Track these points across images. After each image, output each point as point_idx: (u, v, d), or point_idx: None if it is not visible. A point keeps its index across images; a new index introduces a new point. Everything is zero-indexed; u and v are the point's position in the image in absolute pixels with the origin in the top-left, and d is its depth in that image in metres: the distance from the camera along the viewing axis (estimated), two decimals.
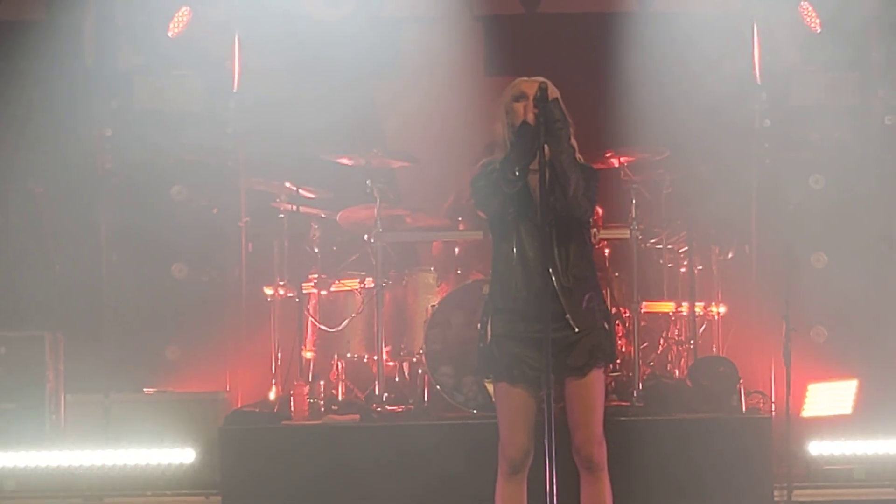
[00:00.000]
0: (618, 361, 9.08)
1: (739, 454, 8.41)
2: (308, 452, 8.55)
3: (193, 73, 10.06)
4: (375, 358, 9.23)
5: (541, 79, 6.52)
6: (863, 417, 9.03)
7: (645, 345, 9.55)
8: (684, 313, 9.72)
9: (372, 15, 10.40)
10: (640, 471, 8.23)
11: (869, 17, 9.87)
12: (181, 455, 8.84)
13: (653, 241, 9.72)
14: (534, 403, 6.50)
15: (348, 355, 9.57)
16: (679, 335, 9.82)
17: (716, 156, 9.83)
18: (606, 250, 9.59)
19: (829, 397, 9.21)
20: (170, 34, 9.98)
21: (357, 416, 8.91)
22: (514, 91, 6.59)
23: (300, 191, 9.64)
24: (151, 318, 9.75)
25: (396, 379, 9.56)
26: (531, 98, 6.46)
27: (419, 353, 9.18)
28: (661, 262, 9.82)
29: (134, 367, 9.58)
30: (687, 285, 9.73)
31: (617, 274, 9.54)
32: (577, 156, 6.56)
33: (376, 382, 9.18)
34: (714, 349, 9.79)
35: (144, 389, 9.46)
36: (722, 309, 9.89)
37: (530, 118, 6.44)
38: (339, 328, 9.52)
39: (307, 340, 9.63)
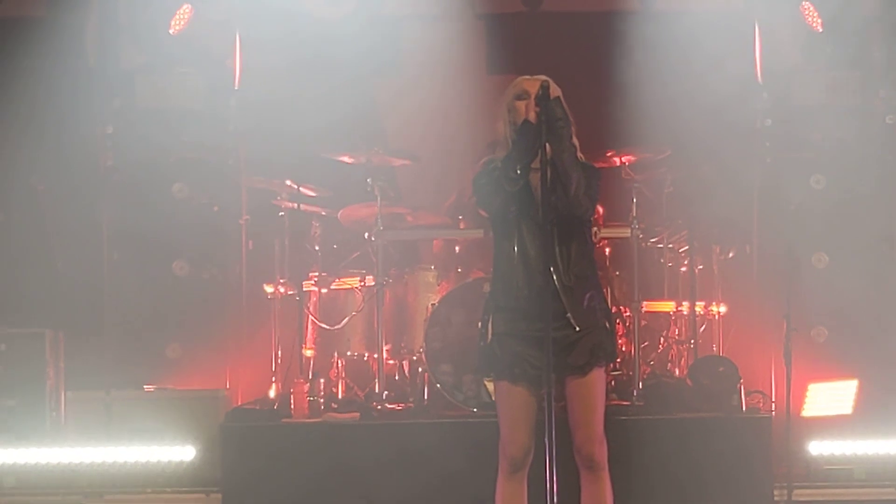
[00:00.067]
0: (618, 360, 9.09)
1: (740, 454, 8.41)
2: (308, 450, 8.55)
3: (195, 70, 10.06)
4: (376, 356, 9.24)
5: (543, 77, 6.54)
6: (863, 417, 9.03)
7: (645, 344, 9.56)
8: (685, 312, 9.72)
9: (373, 13, 10.40)
10: (640, 470, 8.23)
11: (870, 16, 9.87)
12: (181, 452, 8.84)
13: (654, 240, 9.72)
14: (534, 402, 6.50)
15: (348, 353, 9.57)
16: (679, 334, 9.82)
17: (717, 155, 9.83)
18: (607, 249, 9.59)
19: (829, 397, 9.21)
20: (171, 32, 9.98)
21: (357, 414, 8.91)
22: (517, 89, 6.60)
23: (301, 189, 9.63)
24: (152, 315, 9.74)
25: (396, 377, 9.56)
26: (533, 96, 6.47)
27: (419, 352, 9.18)
28: (662, 261, 9.82)
29: (134, 364, 9.57)
30: (688, 284, 9.73)
31: (618, 273, 9.55)
32: (579, 154, 6.57)
33: (376, 380, 9.19)
34: (714, 348, 9.79)
35: (145, 387, 9.45)
36: (722, 308, 9.89)
37: (532, 117, 6.45)
38: (340, 326, 9.52)
39: (307, 338, 9.63)
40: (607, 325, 6.65)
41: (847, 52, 9.81)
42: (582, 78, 9.35)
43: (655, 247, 9.78)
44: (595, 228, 7.80)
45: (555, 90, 6.52)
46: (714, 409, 8.73)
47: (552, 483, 6.07)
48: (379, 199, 9.27)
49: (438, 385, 8.98)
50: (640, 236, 9.28)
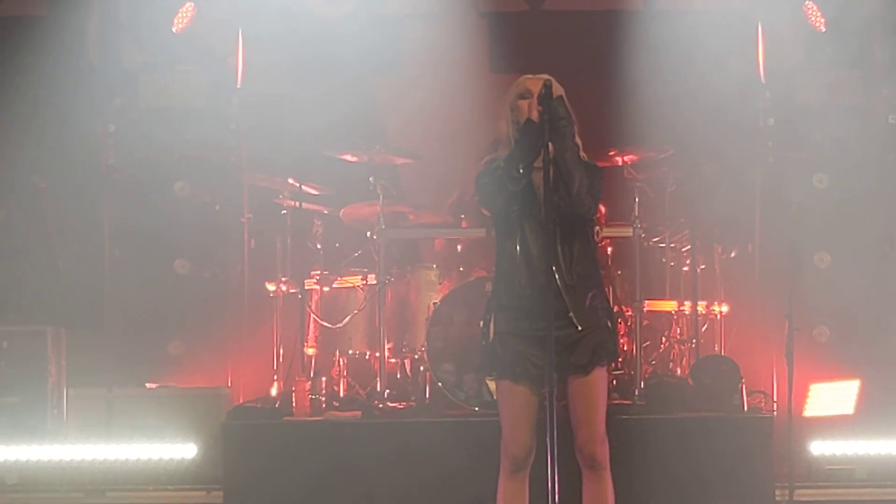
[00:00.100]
0: (620, 360, 9.09)
1: (741, 453, 8.40)
2: (309, 448, 8.55)
3: (197, 69, 10.07)
4: (377, 355, 9.24)
5: (546, 76, 6.53)
6: (865, 418, 9.03)
7: (647, 343, 9.55)
8: (687, 312, 9.71)
9: (375, 11, 10.42)
10: (641, 470, 8.23)
11: (872, 16, 9.88)
12: (183, 450, 8.84)
13: (656, 239, 9.72)
14: (536, 401, 6.50)
15: (350, 352, 9.57)
16: (681, 334, 9.81)
17: (719, 154, 9.83)
18: (609, 248, 9.59)
19: (831, 397, 9.21)
20: (174, 30, 9.99)
21: (358, 413, 8.91)
22: (519, 88, 6.60)
23: (303, 187, 9.63)
24: (154, 313, 9.75)
25: (398, 376, 9.56)
26: (536, 95, 6.46)
27: (421, 350, 9.18)
28: (664, 260, 9.81)
29: (136, 361, 9.59)
30: (689, 284, 9.72)
31: (619, 272, 9.54)
32: (582, 153, 6.57)
33: (378, 379, 9.19)
34: (716, 348, 9.78)
35: (147, 384, 9.46)
36: (724, 308, 9.88)
37: (535, 116, 6.43)
38: (341, 325, 9.52)
39: (309, 337, 9.63)
40: (609, 324, 6.64)
41: (849, 52, 9.82)
42: (584, 77, 9.33)
43: (657, 246, 9.77)
44: (597, 227, 7.80)
45: (557, 89, 6.51)
46: (716, 409, 8.73)
47: (554, 482, 6.06)
48: (381, 197, 9.27)
49: (440, 384, 8.98)
50: (643, 235, 9.28)
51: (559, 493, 6.06)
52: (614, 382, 9.03)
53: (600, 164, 7.05)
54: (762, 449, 8.42)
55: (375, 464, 8.45)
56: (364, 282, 9.52)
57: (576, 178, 6.45)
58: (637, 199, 9.22)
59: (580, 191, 6.48)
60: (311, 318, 9.64)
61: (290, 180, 9.58)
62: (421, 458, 8.41)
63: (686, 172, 9.70)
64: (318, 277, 9.63)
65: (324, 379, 9.21)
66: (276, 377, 9.58)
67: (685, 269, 9.90)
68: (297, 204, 9.65)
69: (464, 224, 9.63)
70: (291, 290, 9.66)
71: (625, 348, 9.24)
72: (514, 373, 6.51)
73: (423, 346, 9.13)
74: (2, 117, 9.77)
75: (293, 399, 8.97)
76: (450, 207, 9.86)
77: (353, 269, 9.67)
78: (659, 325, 9.81)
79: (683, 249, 9.88)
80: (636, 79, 9.95)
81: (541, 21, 10.71)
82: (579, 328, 6.47)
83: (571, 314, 6.46)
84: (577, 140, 6.56)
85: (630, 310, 9.29)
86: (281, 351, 9.62)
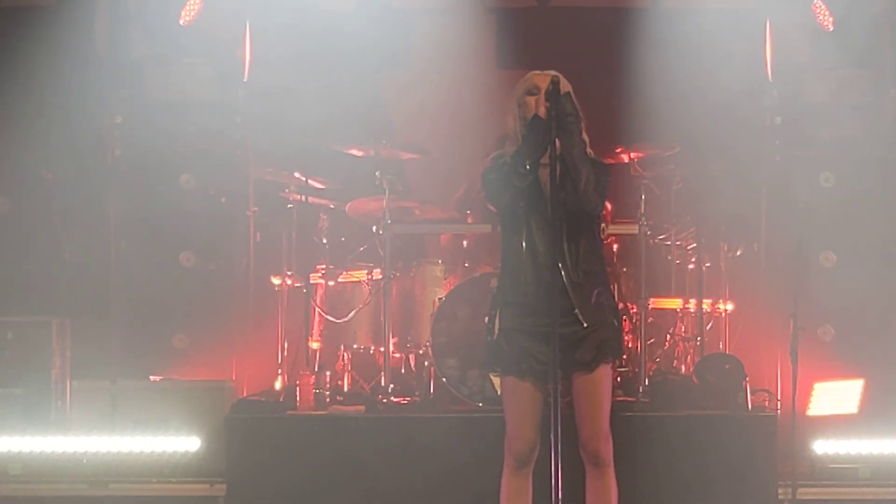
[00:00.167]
0: (624, 357, 9.09)
1: (744, 451, 8.41)
2: (313, 443, 8.55)
3: (204, 61, 10.05)
4: (382, 349, 9.24)
5: (553, 73, 6.53)
6: (868, 417, 9.02)
7: (652, 341, 9.55)
8: (692, 310, 9.71)
9: (383, 5, 10.42)
10: (645, 466, 8.24)
11: (881, 15, 9.86)
12: (187, 443, 8.84)
13: (661, 237, 9.72)
14: (541, 398, 6.50)
15: (355, 346, 9.57)
16: (686, 332, 9.81)
17: (726, 152, 9.82)
18: (615, 245, 9.60)
19: (835, 396, 9.20)
20: (181, 23, 9.97)
21: (362, 408, 8.91)
22: (527, 84, 6.60)
23: (309, 181, 9.63)
24: (159, 306, 9.74)
25: (402, 371, 9.56)
26: (543, 92, 6.46)
27: (425, 346, 9.18)
28: (670, 258, 9.82)
29: (141, 354, 9.57)
30: (695, 282, 9.72)
31: (625, 269, 9.55)
32: (588, 150, 6.57)
33: (382, 374, 9.19)
34: (721, 346, 9.78)
35: (151, 377, 9.45)
36: (729, 306, 9.88)
37: (542, 112, 6.44)
38: (346, 319, 9.52)
39: (314, 331, 9.64)
40: (615, 321, 6.65)
41: (857, 51, 9.79)
42: (592, 73, 9.29)
43: (663, 244, 9.78)
44: (603, 224, 7.78)
45: (565, 86, 6.51)
46: (720, 407, 8.73)
47: (557, 479, 6.06)
48: (387, 192, 9.28)
49: (444, 379, 8.98)
50: (648, 233, 9.28)
51: (562, 489, 6.07)
52: (618, 380, 9.02)
53: (607, 161, 7.08)
54: (766, 447, 8.42)
55: (379, 458, 8.45)
56: (369, 276, 9.52)
57: (582, 175, 6.45)
58: (643, 197, 9.22)
59: (587, 187, 6.48)
60: (316, 312, 9.65)
61: (297, 174, 9.57)
62: (424, 453, 8.41)
63: (692, 170, 9.70)
64: (323, 271, 9.64)
65: (328, 373, 9.22)
66: (280, 371, 9.59)
67: (691, 266, 9.90)
68: (303, 198, 9.65)
69: (469, 220, 9.62)
70: (297, 284, 9.66)
71: (629, 345, 9.23)
72: (518, 369, 6.52)
73: (427, 341, 9.13)
74: (8, 108, 9.76)
75: (297, 393, 8.97)
76: (456, 202, 9.86)
77: (358, 264, 9.67)
78: (664, 322, 9.82)
79: (689, 247, 9.88)
80: (643, 76, 9.95)
81: (548, 17, 10.70)
82: (585, 325, 6.48)
83: (577, 311, 6.47)
84: (584, 137, 6.56)
85: (635, 307, 9.29)
86: (285, 345, 9.63)
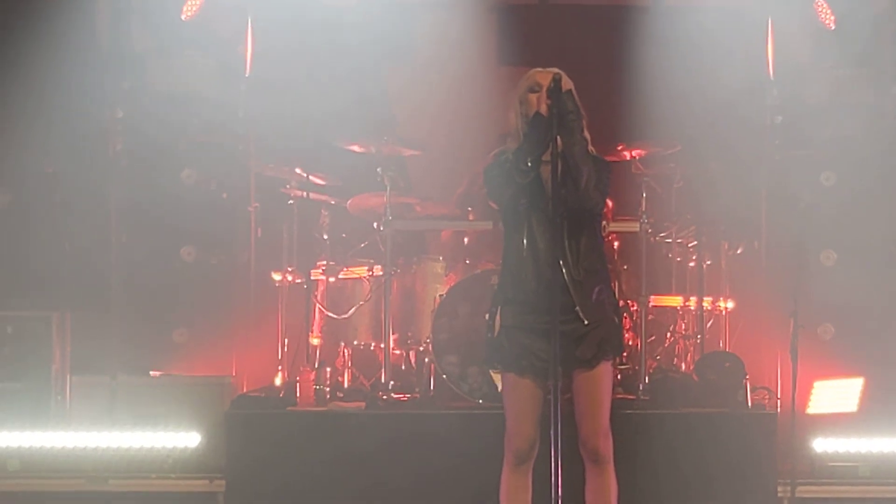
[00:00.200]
0: (625, 354, 9.09)
1: (744, 449, 8.41)
2: (313, 439, 8.55)
3: (206, 55, 10.05)
4: (382, 346, 9.24)
5: (555, 70, 6.53)
6: (868, 415, 9.02)
7: (652, 338, 9.56)
8: (692, 308, 9.72)
9: (384, 1, 10.39)
10: (645, 464, 8.24)
11: (882, 14, 9.86)
12: (186, 438, 8.83)
13: (662, 234, 9.72)
14: (541, 395, 6.51)
15: (355, 342, 9.57)
16: (686, 329, 9.82)
17: (727, 151, 9.83)
18: (616, 243, 9.60)
19: (834, 395, 9.21)
20: (184, 17, 9.97)
21: (363, 404, 8.91)
22: (529, 82, 6.61)
23: (310, 177, 9.63)
24: (159, 300, 9.74)
25: (403, 367, 9.57)
26: (545, 89, 6.46)
27: (426, 342, 9.18)
28: (670, 256, 9.83)
29: (141, 349, 9.57)
30: (695, 280, 9.73)
31: (626, 267, 9.56)
32: (590, 148, 6.57)
33: (382, 370, 9.18)
34: (721, 344, 9.78)
35: (151, 372, 9.46)
36: (730, 304, 9.89)
37: (544, 109, 6.44)
38: (347, 315, 9.53)
39: (314, 327, 9.64)
40: (616, 319, 6.66)
41: (858, 50, 9.80)
42: (593, 71, 9.31)
43: (664, 241, 9.78)
44: (604, 222, 7.79)
45: (567, 83, 6.53)
46: (720, 405, 8.73)
47: (557, 476, 6.06)
48: (388, 188, 9.27)
49: (444, 376, 8.98)
50: (649, 231, 9.28)
51: (562, 486, 6.07)
52: (618, 377, 9.03)
53: (608, 159, 7.06)
54: (766, 445, 8.42)
55: (379, 455, 8.45)
56: (370, 273, 9.52)
57: (584, 173, 6.46)
58: (644, 195, 9.22)
59: (588, 185, 6.48)
60: (317, 309, 9.65)
61: (298, 170, 9.57)
62: (424, 450, 8.41)
63: (694, 169, 9.70)
64: (324, 267, 9.64)
65: (328, 369, 9.22)
66: (280, 367, 9.59)
67: (691, 264, 9.91)
68: (305, 194, 9.65)
69: (471, 216, 9.62)
70: (297, 280, 9.66)
71: (630, 343, 9.24)
72: (519, 366, 6.52)
73: (428, 337, 9.13)
74: (10, 101, 9.75)
75: (297, 389, 8.97)
76: (457, 199, 9.86)
77: (359, 260, 9.67)
78: (664, 320, 9.82)
79: (690, 245, 9.89)
80: (645, 74, 9.96)
81: (550, 15, 10.71)
82: (585, 322, 6.49)
83: (578, 308, 6.47)
84: (586, 134, 6.57)
85: (635, 305, 9.30)
86: (286, 341, 9.62)
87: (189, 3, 9.99)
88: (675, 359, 9.78)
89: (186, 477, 8.72)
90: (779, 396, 9.20)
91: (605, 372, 6.59)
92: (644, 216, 9.20)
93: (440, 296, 9.16)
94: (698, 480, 8.36)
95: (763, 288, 9.70)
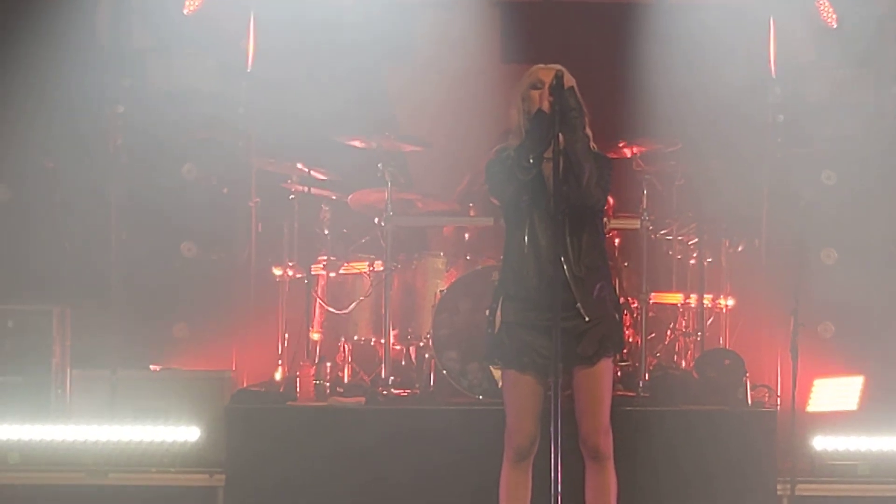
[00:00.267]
0: (625, 351, 9.09)
1: (744, 447, 8.40)
2: (313, 434, 8.55)
3: (207, 52, 10.05)
4: (382, 341, 9.24)
5: (557, 67, 6.54)
6: (868, 414, 9.03)
7: (652, 335, 9.56)
8: (692, 305, 9.72)
9: None
10: (644, 461, 8.23)
11: (884, 14, 9.87)
12: (186, 433, 8.83)
13: (663, 232, 9.72)
14: (542, 391, 6.52)
15: (355, 338, 9.57)
16: (686, 327, 9.82)
17: (729, 149, 9.83)
18: (616, 240, 9.60)
19: (834, 393, 9.21)
20: (185, 13, 9.97)
21: (363, 399, 8.91)
22: (531, 78, 6.61)
23: (311, 172, 9.63)
24: (160, 295, 9.75)
25: (403, 363, 9.56)
26: (547, 86, 6.46)
27: (426, 338, 9.18)
28: (671, 253, 9.82)
29: (141, 343, 9.58)
30: (696, 277, 9.72)
31: (626, 264, 9.55)
32: (592, 145, 6.57)
33: (382, 366, 9.19)
34: (721, 342, 9.78)
35: (151, 366, 9.46)
36: (730, 302, 9.89)
37: (546, 106, 6.45)
38: (347, 311, 9.52)
39: (315, 322, 9.64)
40: (617, 316, 6.66)
41: (860, 49, 9.81)
42: (595, 68, 9.28)
43: (665, 239, 9.78)
44: (605, 219, 7.80)
45: (569, 80, 6.53)
46: (719, 402, 8.73)
47: (557, 473, 6.06)
48: (389, 184, 9.27)
49: (444, 371, 8.97)
50: (650, 228, 9.28)
51: (562, 483, 6.07)
52: (618, 374, 9.03)
53: (609, 156, 7.06)
54: (765, 443, 8.42)
55: (378, 450, 8.44)
56: (371, 268, 9.52)
57: (585, 170, 6.46)
58: (645, 192, 9.23)
59: (590, 182, 6.49)
60: (317, 304, 9.65)
61: (299, 165, 9.58)
62: (424, 445, 8.41)
63: (695, 166, 9.69)
64: (324, 263, 9.63)
65: (328, 364, 9.22)
66: (280, 362, 9.59)
67: (692, 262, 9.90)
68: (305, 189, 9.65)
69: (472, 213, 9.63)
70: (298, 275, 9.66)
71: (630, 340, 9.24)
72: (520, 362, 6.53)
73: (428, 333, 9.13)
74: (10, 96, 9.76)
75: (297, 384, 8.97)
76: (458, 195, 9.86)
77: (359, 256, 9.67)
78: (664, 317, 9.83)
79: (690, 242, 9.88)
80: (647, 71, 9.95)
81: (553, 11, 10.70)
82: (586, 319, 6.49)
83: (579, 305, 6.48)
84: (588, 131, 6.57)
85: (636, 302, 9.30)
86: (286, 336, 9.63)
87: None
88: (676, 356, 9.78)
89: (186, 471, 8.71)
90: (779, 394, 9.20)
91: (605, 369, 6.59)
92: (645, 213, 9.20)
93: (441, 291, 9.16)
94: (698, 478, 8.36)
95: (763, 286, 9.70)
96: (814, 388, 9.16)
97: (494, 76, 10.29)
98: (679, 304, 9.78)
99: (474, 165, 9.44)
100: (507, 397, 6.63)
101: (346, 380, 9.44)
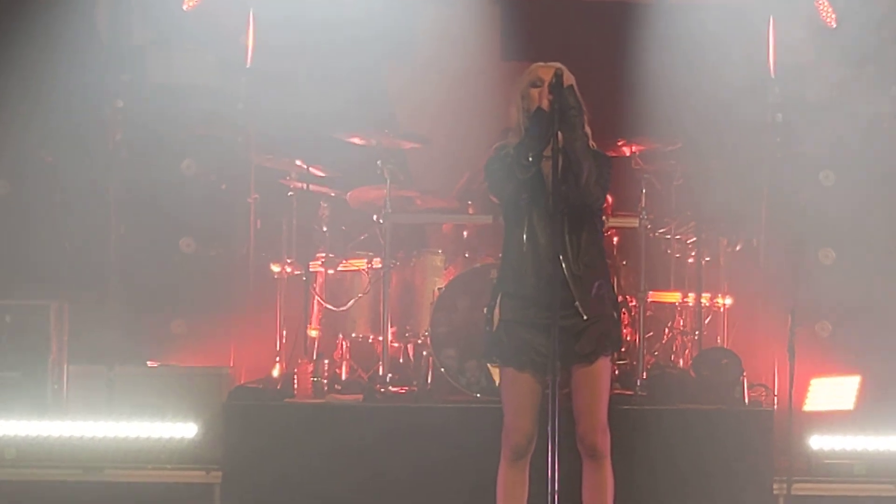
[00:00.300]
0: (622, 350, 9.10)
1: (741, 446, 8.40)
2: (310, 431, 8.54)
3: (207, 47, 10.05)
4: (380, 338, 9.23)
5: (557, 65, 6.53)
6: (865, 413, 9.04)
7: (650, 334, 9.56)
8: (690, 304, 9.72)
9: None
10: (642, 460, 8.23)
11: (883, 14, 9.87)
12: (183, 429, 8.82)
13: (661, 230, 9.72)
14: (540, 389, 6.51)
15: (353, 335, 9.57)
16: (684, 325, 9.82)
17: (727, 148, 9.84)
18: (615, 238, 9.60)
19: (831, 392, 9.23)
20: (185, 8, 9.97)
21: (360, 396, 8.91)
22: (531, 76, 6.61)
23: (310, 169, 9.63)
24: (158, 291, 9.76)
25: (401, 360, 9.56)
26: (547, 84, 6.46)
27: (424, 335, 9.17)
28: (669, 252, 9.82)
29: (138, 339, 9.59)
30: (694, 276, 9.72)
31: (625, 262, 9.56)
32: (591, 143, 6.57)
33: (380, 363, 9.18)
34: (719, 341, 9.78)
35: (148, 362, 9.46)
36: (728, 301, 9.88)
37: (545, 104, 6.44)
38: (345, 308, 9.52)
39: (313, 319, 9.64)
40: (615, 314, 6.66)
41: (859, 49, 9.82)
42: (595, 66, 9.26)
43: (663, 237, 9.78)
44: (604, 217, 7.80)
45: (568, 78, 6.52)
46: (716, 401, 8.73)
47: (554, 471, 6.07)
48: (388, 181, 9.26)
49: (442, 369, 8.97)
50: (648, 227, 9.28)
51: (559, 481, 6.07)
52: (616, 372, 9.03)
53: (609, 154, 7.06)
54: (762, 442, 8.42)
55: (376, 448, 8.44)
56: (369, 265, 9.52)
57: (585, 168, 6.46)
58: (644, 190, 9.23)
59: (589, 180, 6.48)
60: (315, 301, 9.65)
61: (298, 162, 9.57)
62: (421, 443, 8.41)
63: (694, 165, 9.70)
64: (323, 260, 9.63)
65: (326, 361, 9.21)
66: (278, 358, 9.58)
67: (690, 260, 9.90)
68: (304, 186, 9.64)
69: (471, 210, 9.62)
70: (296, 272, 9.65)
71: (628, 339, 9.24)
72: (518, 361, 6.53)
73: (426, 330, 9.12)
74: (10, 91, 9.76)
75: (295, 381, 8.97)
76: (457, 193, 9.85)
77: (358, 253, 9.67)
78: (662, 316, 9.83)
79: (689, 241, 9.88)
80: (646, 70, 9.95)
81: (553, 9, 10.70)
82: (585, 317, 6.49)
83: (577, 303, 6.47)
84: (587, 130, 6.56)
85: (634, 300, 9.30)
86: (284, 332, 9.61)
87: None
88: (673, 355, 9.79)
89: (183, 468, 8.70)
90: (776, 393, 9.20)
91: (603, 367, 6.59)
92: (644, 212, 9.20)
93: (439, 289, 9.15)
94: (694, 477, 8.36)
95: (761, 285, 9.71)
96: (811, 388, 9.18)
97: (494, 74, 10.28)
98: (677, 303, 9.78)
99: (474, 163, 9.43)
100: (505, 395, 6.63)
101: (343, 377, 9.44)
